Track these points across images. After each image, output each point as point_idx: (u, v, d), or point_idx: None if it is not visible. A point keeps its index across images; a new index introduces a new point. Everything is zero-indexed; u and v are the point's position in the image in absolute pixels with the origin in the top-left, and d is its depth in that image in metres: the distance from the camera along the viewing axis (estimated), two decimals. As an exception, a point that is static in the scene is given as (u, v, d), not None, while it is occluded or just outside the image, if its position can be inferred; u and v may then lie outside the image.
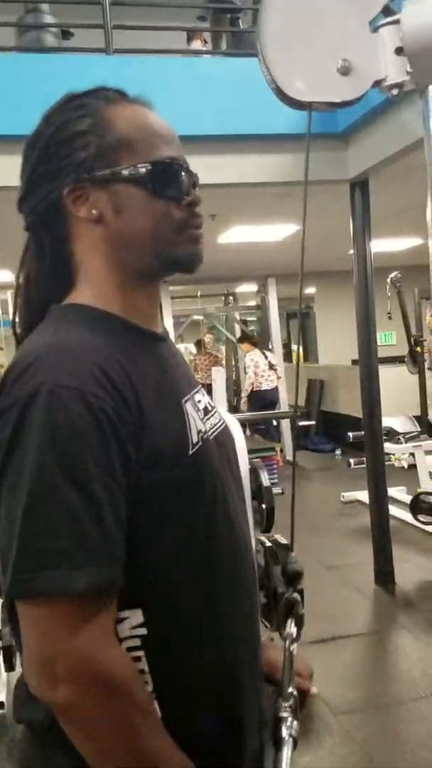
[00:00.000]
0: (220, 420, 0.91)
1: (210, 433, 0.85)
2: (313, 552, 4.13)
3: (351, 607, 3.61)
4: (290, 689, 0.86)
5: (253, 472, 3.33)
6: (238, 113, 3.34)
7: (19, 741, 0.84)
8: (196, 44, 4.86)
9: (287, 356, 8.80)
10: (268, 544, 3.46)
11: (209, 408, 0.90)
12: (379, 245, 5.02)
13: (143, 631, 0.74)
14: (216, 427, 0.88)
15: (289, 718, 0.84)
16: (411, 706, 2.65)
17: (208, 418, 0.87)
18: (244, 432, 3.66)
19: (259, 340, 7.83)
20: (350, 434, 5.29)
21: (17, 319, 0.86)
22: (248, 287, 8.96)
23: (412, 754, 2.33)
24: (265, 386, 7.18)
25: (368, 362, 3.89)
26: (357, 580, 3.87)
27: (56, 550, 0.65)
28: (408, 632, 3.28)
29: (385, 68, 0.84)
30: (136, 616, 0.74)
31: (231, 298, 10.20)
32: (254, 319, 10.02)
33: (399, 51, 0.82)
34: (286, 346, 9.34)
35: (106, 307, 0.81)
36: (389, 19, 0.82)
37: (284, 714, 0.84)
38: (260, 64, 0.87)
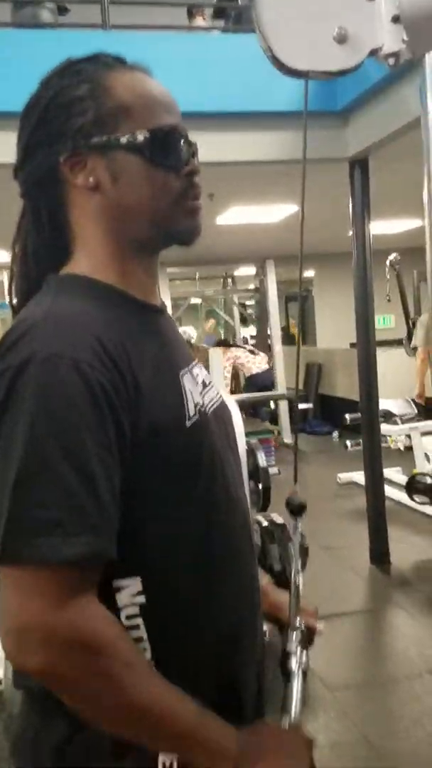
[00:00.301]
0: (217, 394, 0.91)
1: (208, 406, 0.85)
2: (309, 533, 4.12)
3: (347, 587, 3.64)
4: (298, 623, 0.88)
5: (251, 453, 3.36)
6: (236, 91, 3.30)
7: (17, 713, 0.85)
8: (199, 21, 4.78)
9: (285, 339, 8.79)
10: (265, 523, 3.47)
11: (207, 382, 0.89)
12: (378, 227, 5.00)
13: (142, 599, 0.75)
14: (214, 401, 0.88)
15: (298, 651, 0.86)
16: (406, 685, 2.69)
17: (206, 392, 0.87)
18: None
19: (231, 341, 7.96)
20: (347, 416, 5.30)
21: (14, 289, 0.85)
22: (247, 270, 8.93)
23: (406, 732, 2.37)
24: (255, 370, 7.25)
25: (366, 344, 3.89)
26: (353, 560, 3.91)
27: (49, 519, 0.65)
28: (403, 611, 3.32)
29: (382, 37, 0.83)
30: (135, 585, 0.74)
31: (230, 280, 10.17)
32: (253, 302, 10.00)
33: (395, 19, 0.81)
34: (285, 330, 9.33)
35: (103, 278, 0.80)
36: (386, -14, 0.81)
37: (293, 647, 0.86)
38: (257, 33, 0.86)
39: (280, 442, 6.90)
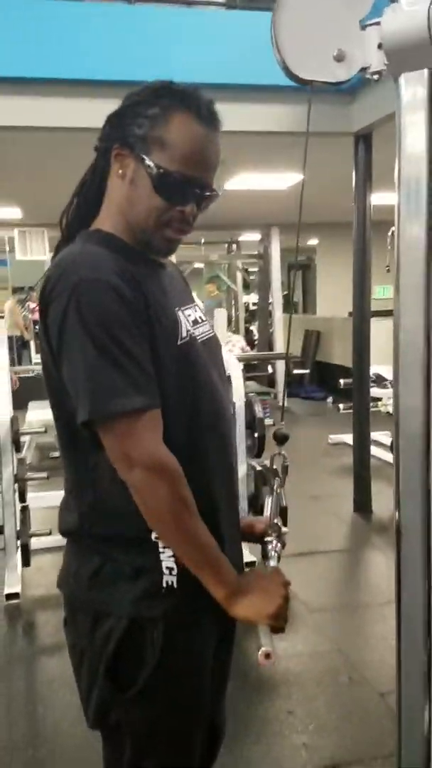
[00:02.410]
0: (209, 330, 1.17)
1: (198, 336, 1.09)
2: (298, 484, 4.47)
3: (330, 529, 4.00)
4: (276, 521, 1.17)
5: (248, 405, 3.66)
6: (249, 64, 3.49)
7: (65, 552, 1.13)
8: None
9: (287, 306, 9.01)
10: (259, 468, 3.82)
11: (199, 320, 1.15)
12: (383, 198, 5.19)
13: None
14: (204, 334, 1.14)
15: (274, 541, 1.15)
16: (376, 609, 3.04)
17: (197, 327, 1.11)
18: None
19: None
20: (341, 381, 5.59)
21: (66, 214, 1.10)
22: (251, 236, 9.08)
23: (375, 646, 2.72)
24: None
25: (361, 310, 4.16)
26: (337, 508, 4.25)
27: (118, 386, 0.93)
28: (380, 551, 3.67)
29: (370, 58, 1.09)
30: None
31: (234, 246, 10.31)
32: (256, 269, 10.20)
33: (380, 46, 1.07)
34: (287, 296, 9.54)
35: (120, 236, 1.06)
36: (373, 20, 1.07)
37: (269, 538, 1.16)
38: (273, 47, 1.12)
39: (276, 406, 7.20)
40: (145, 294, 1.00)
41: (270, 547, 1.15)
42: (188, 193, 1.03)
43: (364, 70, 1.11)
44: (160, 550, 1.03)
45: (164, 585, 1.03)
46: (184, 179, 1.01)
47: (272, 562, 1.14)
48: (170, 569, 1.03)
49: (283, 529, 1.19)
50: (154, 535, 1.02)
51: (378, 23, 1.05)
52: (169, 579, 1.03)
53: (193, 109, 1.01)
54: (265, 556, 1.16)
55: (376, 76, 1.11)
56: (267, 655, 0.99)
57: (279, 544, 1.16)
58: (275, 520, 1.18)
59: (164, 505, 0.96)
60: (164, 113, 1.00)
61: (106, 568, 1.04)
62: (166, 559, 1.03)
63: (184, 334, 1.06)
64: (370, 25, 1.08)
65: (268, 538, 1.16)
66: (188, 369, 1.05)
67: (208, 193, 1.05)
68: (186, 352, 1.05)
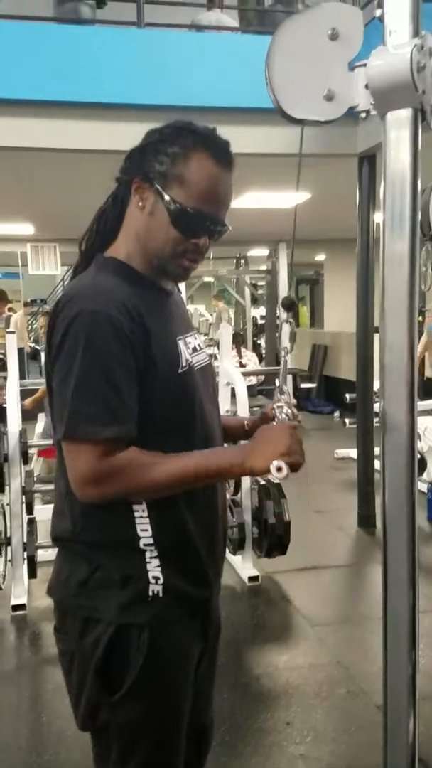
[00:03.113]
0: (205, 358, 1.25)
1: (195, 364, 1.17)
2: (304, 498, 4.54)
3: (333, 544, 4.03)
4: (285, 387, 1.22)
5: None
6: (255, 89, 3.58)
7: (56, 559, 1.19)
8: (215, 12, 4.97)
9: (295, 320, 9.06)
10: (262, 482, 3.87)
11: (198, 348, 1.23)
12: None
13: None
14: (201, 362, 1.21)
15: (284, 406, 1.20)
16: (377, 622, 3.01)
17: (196, 355, 1.20)
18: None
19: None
20: (348, 395, 5.63)
21: (85, 239, 1.18)
22: (260, 251, 9.18)
23: (373, 659, 2.74)
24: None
25: (364, 325, 4.22)
26: (341, 522, 4.29)
27: (93, 414, 1.01)
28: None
29: (358, 98, 1.16)
30: None
31: (242, 261, 10.42)
32: (264, 283, 10.30)
33: (366, 86, 1.15)
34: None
35: (132, 263, 1.14)
36: (360, 63, 1.14)
37: (279, 404, 1.21)
38: (267, 88, 1.20)
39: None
40: (147, 327, 1.07)
41: (277, 409, 1.19)
42: (202, 227, 1.11)
43: (352, 108, 1.18)
44: (147, 560, 1.09)
45: (150, 593, 1.09)
46: (199, 215, 1.09)
47: (280, 415, 1.17)
48: (156, 578, 1.09)
49: (291, 399, 1.22)
50: (141, 543, 1.09)
51: (365, 65, 1.13)
52: (155, 588, 1.09)
53: (211, 150, 1.09)
54: (273, 418, 1.20)
55: (363, 114, 1.18)
56: (279, 469, 1.01)
57: (287, 408, 1.19)
58: (284, 387, 1.22)
59: (132, 491, 1.05)
60: (184, 152, 1.08)
61: (95, 575, 1.10)
62: (153, 569, 1.09)
63: (184, 363, 1.13)
64: (358, 66, 1.15)
65: (278, 404, 1.20)
66: (185, 395, 1.12)
67: (220, 228, 1.13)
68: (184, 381, 1.12)
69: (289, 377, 7.53)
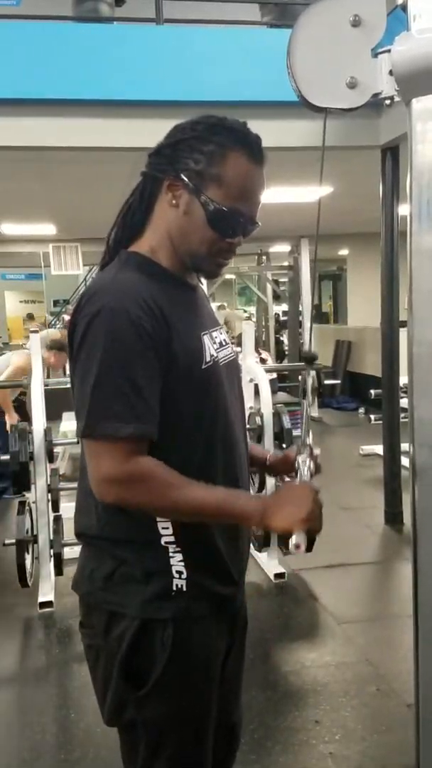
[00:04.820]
0: (231, 353, 1.23)
1: (221, 359, 1.17)
2: (330, 495, 4.47)
3: (360, 541, 3.98)
4: (308, 440, 1.18)
5: (276, 416, 3.70)
6: (278, 82, 3.55)
7: (80, 555, 1.19)
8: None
9: (317, 317, 9.01)
10: (287, 479, 3.83)
11: (224, 343, 1.21)
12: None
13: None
14: (227, 357, 1.20)
15: (307, 460, 1.15)
16: (405, 620, 3.01)
17: (222, 350, 1.19)
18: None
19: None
20: (372, 391, 5.57)
21: (112, 233, 1.17)
22: (281, 247, 9.13)
23: (403, 658, 2.70)
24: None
25: (389, 319, 4.16)
26: (368, 520, 4.24)
27: (113, 412, 1.00)
28: (410, 563, 3.64)
29: (381, 85, 1.14)
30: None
31: (264, 257, 10.38)
32: (286, 279, 10.24)
33: (390, 73, 1.12)
34: (317, 307, 9.54)
35: (156, 259, 1.13)
36: (384, 48, 1.12)
37: (303, 457, 1.15)
38: (289, 77, 1.18)
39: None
40: (169, 323, 1.05)
41: (301, 463, 1.16)
42: (239, 227, 1.10)
43: (376, 95, 1.16)
44: (170, 554, 1.08)
45: (174, 588, 1.09)
46: (236, 215, 1.08)
47: (303, 477, 1.15)
48: (180, 573, 1.08)
49: (315, 450, 1.18)
50: (164, 540, 1.08)
51: (389, 51, 1.10)
52: (179, 582, 1.09)
53: (247, 147, 1.07)
54: (297, 474, 1.17)
55: (388, 101, 1.15)
56: (297, 546, 1.02)
57: (311, 463, 1.16)
58: (307, 440, 1.19)
59: (150, 505, 1.04)
60: (221, 151, 1.06)
61: (119, 570, 1.10)
62: (176, 563, 1.08)
63: (208, 358, 1.12)
64: (382, 52, 1.12)
65: (301, 457, 1.17)
66: (207, 391, 1.11)
67: (252, 226, 1.13)
68: (208, 376, 1.11)
69: (311, 380, 7.48)
